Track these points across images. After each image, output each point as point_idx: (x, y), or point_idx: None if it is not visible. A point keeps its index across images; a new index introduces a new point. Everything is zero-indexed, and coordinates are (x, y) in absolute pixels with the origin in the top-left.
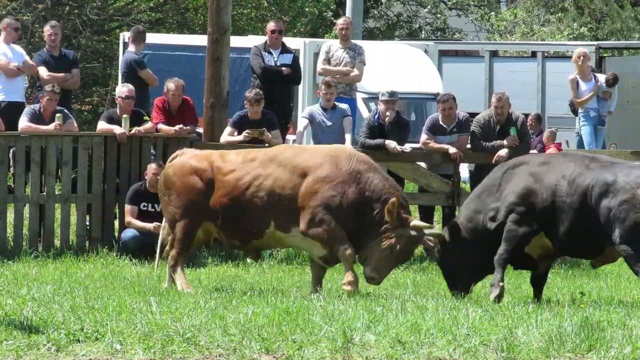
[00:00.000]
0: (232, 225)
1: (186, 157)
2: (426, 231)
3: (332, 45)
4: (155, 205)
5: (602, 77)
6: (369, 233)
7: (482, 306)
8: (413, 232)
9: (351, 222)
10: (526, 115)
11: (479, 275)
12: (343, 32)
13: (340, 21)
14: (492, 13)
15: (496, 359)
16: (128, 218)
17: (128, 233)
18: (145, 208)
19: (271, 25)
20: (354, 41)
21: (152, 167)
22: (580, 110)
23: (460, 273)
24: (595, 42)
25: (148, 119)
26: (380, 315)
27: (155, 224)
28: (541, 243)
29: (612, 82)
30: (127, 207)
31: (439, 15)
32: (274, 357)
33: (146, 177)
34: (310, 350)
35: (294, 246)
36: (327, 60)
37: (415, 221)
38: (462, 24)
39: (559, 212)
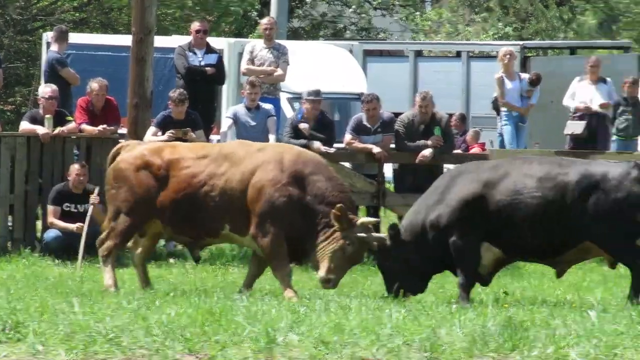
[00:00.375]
0: (184, 223)
1: (138, 151)
2: (372, 236)
3: (255, 45)
4: (78, 206)
5: (526, 76)
6: (315, 236)
7: (406, 306)
8: (362, 234)
9: (296, 225)
10: (450, 115)
11: (418, 280)
12: (267, 32)
13: (264, 21)
14: (417, 13)
15: (419, 359)
16: (50, 219)
17: (50, 234)
18: (68, 209)
19: (196, 25)
20: (278, 41)
21: (75, 167)
22: (503, 109)
23: (400, 277)
24: (520, 42)
25: (71, 119)
26: (304, 315)
27: (78, 224)
28: (491, 253)
29: (535, 81)
30: (50, 207)
31: (363, 15)
32: (197, 357)
33: (69, 178)
34: (233, 350)
35: (253, 248)
36: (251, 60)
37: (362, 218)
38: (387, 24)
39: (519, 213)
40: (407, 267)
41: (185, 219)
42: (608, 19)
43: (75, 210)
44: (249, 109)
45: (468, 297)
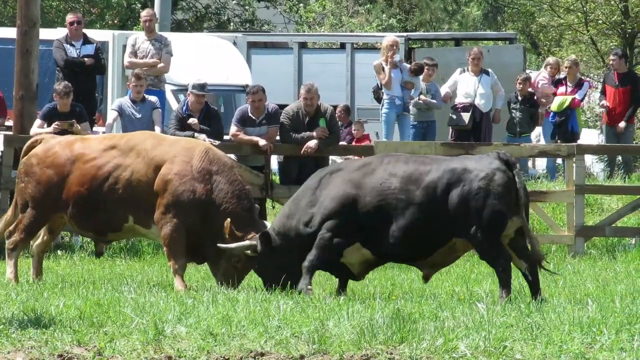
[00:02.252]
0: (87, 217)
1: (49, 146)
2: (241, 245)
3: (137, 37)
4: None
5: (407, 66)
6: (211, 241)
7: (293, 298)
8: (232, 245)
9: (197, 224)
10: (335, 107)
11: (292, 281)
12: (147, 24)
13: (143, 13)
14: (301, 5)
15: (308, 351)
16: None
17: None
18: None
19: (69, 17)
20: (160, 33)
21: None
22: (385, 98)
23: (275, 280)
24: (405, 34)
25: None
26: (192, 307)
27: None
28: (360, 254)
29: (417, 71)
30: None
31: (247, 7)
32: (86, 349)
33: None
34: (121, 342)
35: (158, 240)
36: (134, 53)
37: (228, 246)
38: (271, 16)
39: (387, 214)
40: (283, 271)
41: (88, 213)
42: (493, 10)
43: None
44: (134, 101)
45: (309, 282)
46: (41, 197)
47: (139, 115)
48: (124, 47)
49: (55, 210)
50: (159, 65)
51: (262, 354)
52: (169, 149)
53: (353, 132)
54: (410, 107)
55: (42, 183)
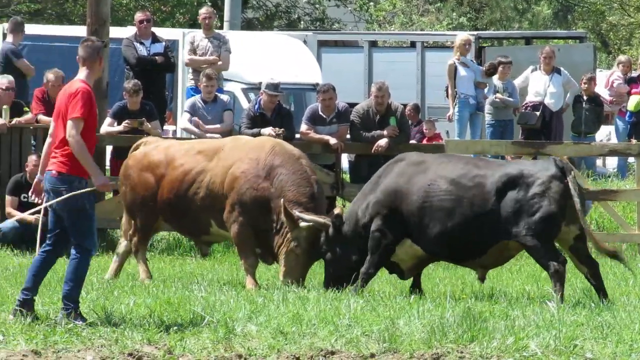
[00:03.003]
0: (178, 220)
1: (147, 149)
2: (316, 219)
3: (195, 35)
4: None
5: (480, 69)
6: (274, 233)
7: (364, 297)
8: (304, 233)
9: (262, 219)
10: (404, 106)
11: (347, 275)
12: (206, 22)
13: (202, 11)
14: (371, 3)
15: (378, 350)
16: (8, 209)
17: (7, 224)
18: (26, 199)
19: (139, 16)
20: (217, 31)
21: (32, 158)
22: (460, 97)
23: (337, 268)
24: (475, 32)
25: (28, 109)
26: (262, 305)
27: (36, 215)
28: (412, 250)
29: (491, 72)
30: (8, 198)
31: (317, 6)
32: (156, 347)
33: (27, 169)
34: (192, 340)
35: None
36: (193, 51)
37: (303, 216)
38: (341, 14)
39: (432, 214)
40: (344, 258)
41: (179, 218)
42: (563, 9)
43: (33, 201)
44: (205, 101)
45: (364, 286)
46: (141, 200)
47: (210, 117)
48: None
49: (156, 211)
50: (218, 63)
51: (333, 353)
52: (241, 149)
53: (424, 130)
54: (487, 106)
55: (138, 186)
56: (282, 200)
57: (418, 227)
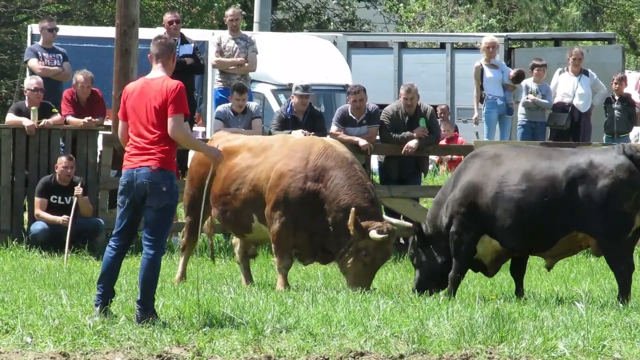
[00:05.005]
0: (224, 216)
1: (213, 143)
2: (402, 223)
3: (222, 36)
4: (65, 198)
5: (509, 70)
6: (331, 237)
7: (393, 298)
8: (374, 242)
9: (309, 220)
10: (435, 107)
11: (438, 282)
12: (233, 23)
13: (229, 12)
14: (401, 4)
15: (407, 351)
16: (37, 210)
17: (37, 226)
18: (55, 201)
19: (168, 17)
20: (243, 32)
21: (62, 160)
22: (488, 98)
23: (421, 273)
24: (504, 34)
25: (57, 111)
26: (291, 307)
27: (64, 217)
28: (491, 246)
29: (517, 79)
30: (37, 199)
31: (347, 7)
32: (185, 349)
33: (56, 170)
34: (221, 342)
35: None
36: (220, 52)
37: (390, 219)
38: (371, 16)
39: (506, 206)
40: (430, 261)
41: (224, 213)
42: (592, 11)
43: (62, 203)
44: (235, 112)
45: (455, 291)
46: (193, 193)
47: (240, 126)
48: None
49: (209, 209)
50: (245, 65)
51: (362, 354)
52: (290, 147)
53: (443, 132)
54: (520, 107)
55: (192, 179)
56: (352, 208)
57: (493, 220)
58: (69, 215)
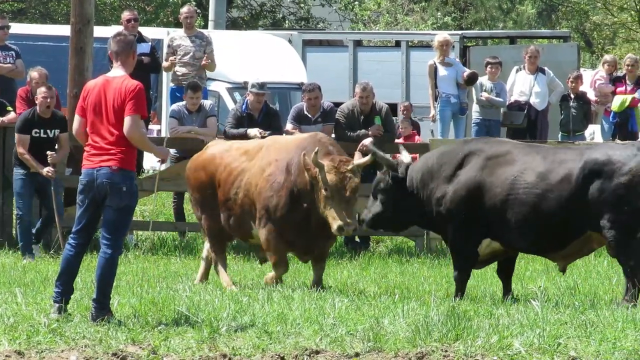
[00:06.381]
0: (229, 224)
1: (202, 152)
2: (385, 157)
3: (174, 35)
4: (48, 131)
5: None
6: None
7: (349, 296)
8: (360, 160)
9: (292, 220)
10: (394, 105)
11: (390, 225)
12: (188, 21)
13: (184, 10)
14: (356, 2)
15: (363, 349)
16: (20, 149)
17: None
18: (37, 134)
19: (126, 15)
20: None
21: (41, 90)
22: (441, 96)
23: (381, 210)
24: (460, 32)
25: (11, 109)
26: (247, 305)
27: (48, 168)
28: (490, 248)
29: (469, 81)
30: (18, 136)
31: (302, 5)
32: (140, 347)
33: (37, 102)
34: (176, 340)
35: None
36: (173, 52)
37: (371, 148)
38: (326, 14)
39: (517, 207)
40: (397, 205)
41: (227, 219)
42: (547, 9)
43: (45, 136)
44: (190, 111)
45: (464, 291)
46: (201, 201)
47: (195, 125)
48: None
49: (214, 212)
50: (202, 63)
51: (317, 352)
52: (273, 151)
53: (400, 130)
54: (474, 105)
55: (195, 186)
56: (302, 152)
57: (503, 222)
58: (53, 168)
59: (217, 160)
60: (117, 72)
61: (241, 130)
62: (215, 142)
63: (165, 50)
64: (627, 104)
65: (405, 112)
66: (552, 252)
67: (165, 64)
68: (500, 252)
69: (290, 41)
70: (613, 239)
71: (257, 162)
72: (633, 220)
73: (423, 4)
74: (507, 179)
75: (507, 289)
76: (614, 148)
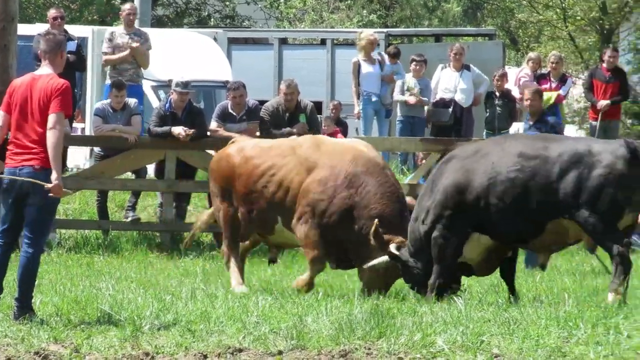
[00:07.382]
0: (248, 217)
1: (224, 150)
2: (380, 261)
3: (114, 32)
4: None
5: (386, 57)
6: (355, 244)
7: (272, 294)
8: (374, 261)
9: (338, 230)
10: (319, 103)
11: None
12: (130, 17)
13: (126, 7)
14: (282, 1)
15: (286, 347)
16: None
17: None
18: None
19: (52, 13)
20: (138, 28)
21: None
22: (363, 94)
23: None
24: (385, 30)
25: None
26: (170, 303)
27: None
28: (479, 244)
29: (395, 55)
30: None
31: (228, 3)
32: (63, 346)
33: None
34: (99, 339)
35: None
36: (111, 48)
37: (392, 247)
38: (252, 12)
39: (498, 192)
40: (424, 276)
41: (248, 213)
42: (472, 7)
43: None
44: (114, 109)
45: (440, 297)
46: (221, 193)
47: (120, 123)
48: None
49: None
50: (137, 45)
51: (240, 350)
52: (323, 153)
53: (324, 127)
54: (398, 103)
55: (218, 178)
56: (375, 220)
57: (486, 209)
58: None
59: (243, 155)
60: (45, 70)
61: (165, 128)
62: (242, 138)
63: (91, 47)
64: (551, 101)
65: (334, 111)
66: (529, 239)
67: (107, 57)
68: (493, 249)
69: (215, 39)
70: (591, 231)
71: (297, 160)
72: (608, 212)
73: (349, 1)
74: (486, 169)
75: (512, 291)
76: (597, 142)
